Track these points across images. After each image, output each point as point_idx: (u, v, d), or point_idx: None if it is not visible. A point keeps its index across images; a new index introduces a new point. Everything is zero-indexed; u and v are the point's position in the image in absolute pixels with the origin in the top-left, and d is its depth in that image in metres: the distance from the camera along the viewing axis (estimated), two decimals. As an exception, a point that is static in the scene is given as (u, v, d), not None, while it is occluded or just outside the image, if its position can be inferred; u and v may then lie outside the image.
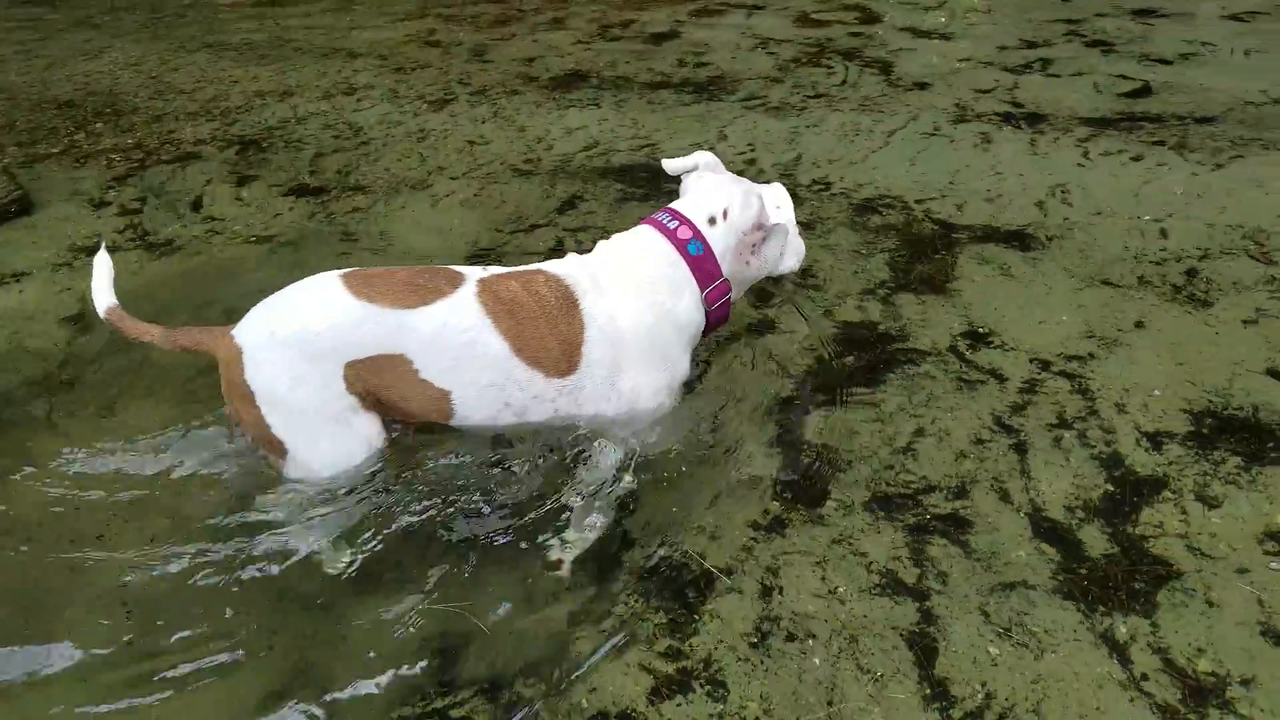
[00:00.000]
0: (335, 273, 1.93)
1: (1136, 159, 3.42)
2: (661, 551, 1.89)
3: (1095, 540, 1.88)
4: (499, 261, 2.35)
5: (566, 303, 1.97)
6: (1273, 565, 1.80)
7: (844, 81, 4.38)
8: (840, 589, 1.77)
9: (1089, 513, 1.96)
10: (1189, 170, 3.31)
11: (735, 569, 1.83)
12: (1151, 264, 2.82)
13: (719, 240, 2.08)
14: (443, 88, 4.63)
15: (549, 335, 1.96)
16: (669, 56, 4.89)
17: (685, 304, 2.05)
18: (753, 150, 3.70)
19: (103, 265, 2.04)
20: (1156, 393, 2.30)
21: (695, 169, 2.17)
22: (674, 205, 2.12)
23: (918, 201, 3.18)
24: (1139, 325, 2.58)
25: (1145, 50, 4.46)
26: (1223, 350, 2.44)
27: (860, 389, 2.32)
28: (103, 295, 2.01)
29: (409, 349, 1.88)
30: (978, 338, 2.49)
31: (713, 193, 2.11)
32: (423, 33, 5.57)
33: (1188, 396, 2.29)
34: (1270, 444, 2.13)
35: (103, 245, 2.15)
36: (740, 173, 2.50)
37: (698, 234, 2.06)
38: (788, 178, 3.43)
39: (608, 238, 2.10)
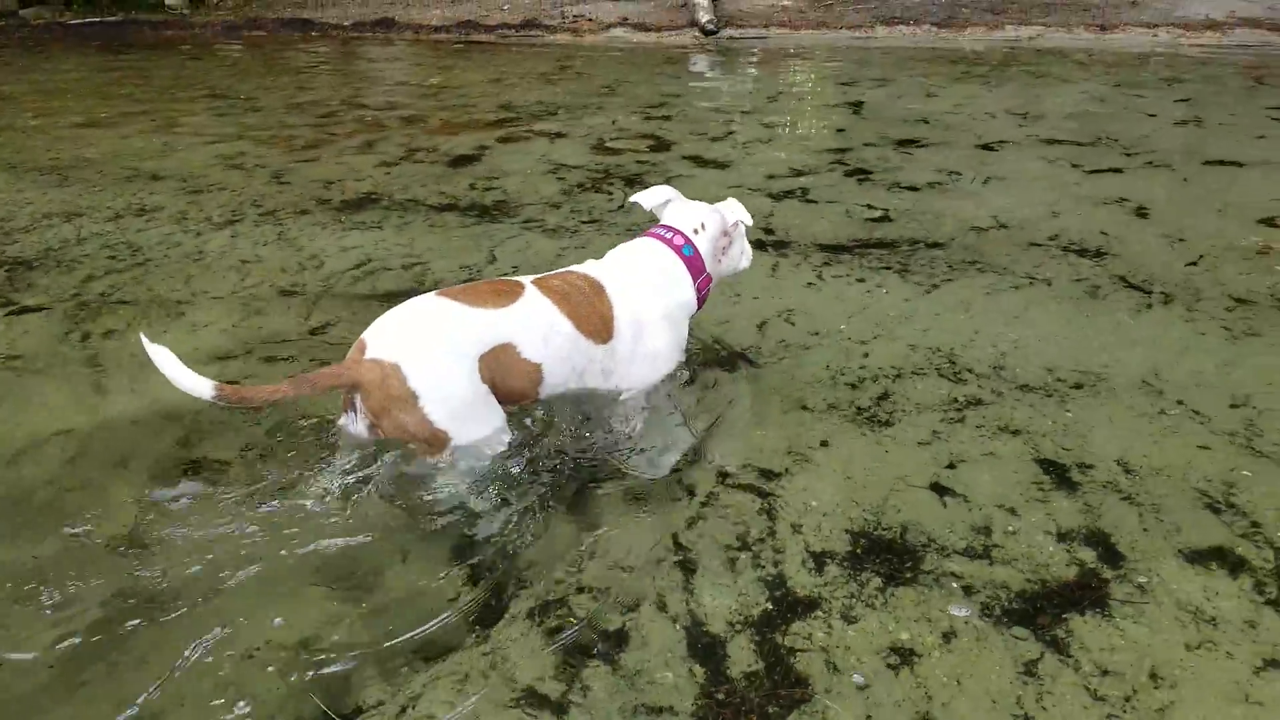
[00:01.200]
0: (435, 293, 2.48)
1: (860, 281, 3.69)
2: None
3: (742, 660, 1.94)
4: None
5: (596, 289, 2.69)
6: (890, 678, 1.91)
7: (620, 207, 4.61)
8: (476, 705, 1.78)
9: (744, 630, 2.03)
10: (904, 294, 3.58)
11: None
12: (847, 385, 3.03)
13: (703, 245, 2.88)
14: (233, 209, 4.65)
15: (593, 313, 2.65)
16: (464, 180, 5.07)
17: (684, 289, 2.83)
18: (516, 270, 3.83)
19: (163, 357, 2.16)
20: (825, 514, 2.43)
21: (667, 201, 2.96)
22: (664, 223, 2.92)
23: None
24: (824, 444, 2.74)
25: (898, 179, 4.87)
26: (889, 469, 2.61)
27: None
28: (197, 381, 2.16)
29: (513, 337, 2.47)
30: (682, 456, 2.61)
31: (692, 212, 2.92)
32: (232, 155, 5.62)
33: (851, 516, 2.43)
34: (908, 564, 2.27)
35: (143, 338, 2.20)
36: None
37: (689, 241, 2.86)
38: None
39: (615, 247, 2.88)
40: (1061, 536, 2.38)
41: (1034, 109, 6.16)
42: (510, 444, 2.52)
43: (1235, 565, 2.28)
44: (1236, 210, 4.27)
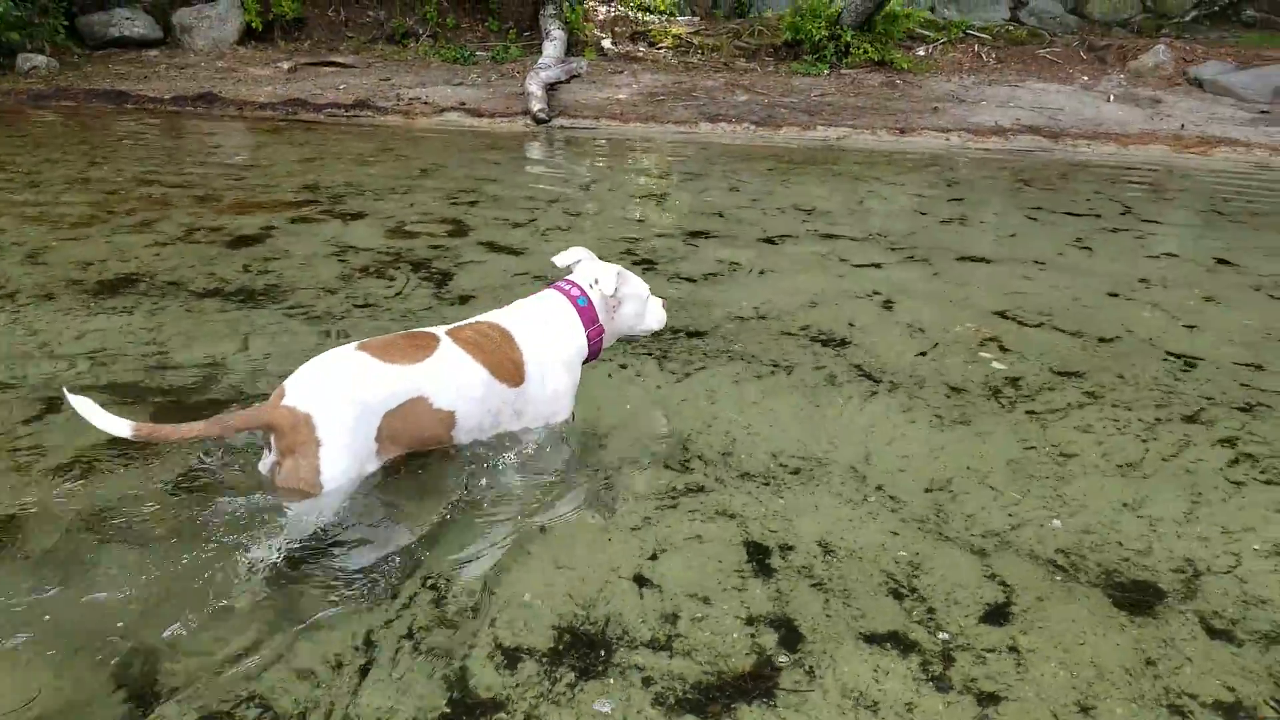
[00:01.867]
0: (356, 345, 2.73)
1: (622, 368, 3.75)
2: None
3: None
4: None
5: (506, 337, 2.98)
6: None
7: (398, 293, 4.56)
8: None
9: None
10: (658, 381, 3.66)
11: None
12: (580, 471, 3.04)
13: (596, 298, 3.16)
14: (-28, 291, 4.33)
15: (505, 359, 2.94)
16: (239, 262, 4.91)
17: (577, 335, 3.12)
18: (268, 359, 3.70)
19: (85, 404, 2.40)
20: (531, 608, 2.39)
21: (579, 260, 3.25)
22: (568, 278, 3.23)
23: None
24: (543, 530, 2.72)
25: (679, 269, 5.04)
26: (606, 558, 2.60)
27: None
28: (114, 422, 2.39)
29: (425, 390, 2.73)
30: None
31: (591, 270, 3.19)
32: (-9, 229, 5.27)
33: (560, 610, 2.40)
34: (603, 657, 2.25)
35: (65, 391, 2.47)
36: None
37: (584, 293, 3.16)
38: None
39: (514, 300, 3.19)
40: (749, 621, 2.43)
41: (821, 205, 6.55)
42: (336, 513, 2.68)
43: (906, 647, 2.37)
44: (974, 303, 4.63)
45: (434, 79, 12.06)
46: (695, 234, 5.73)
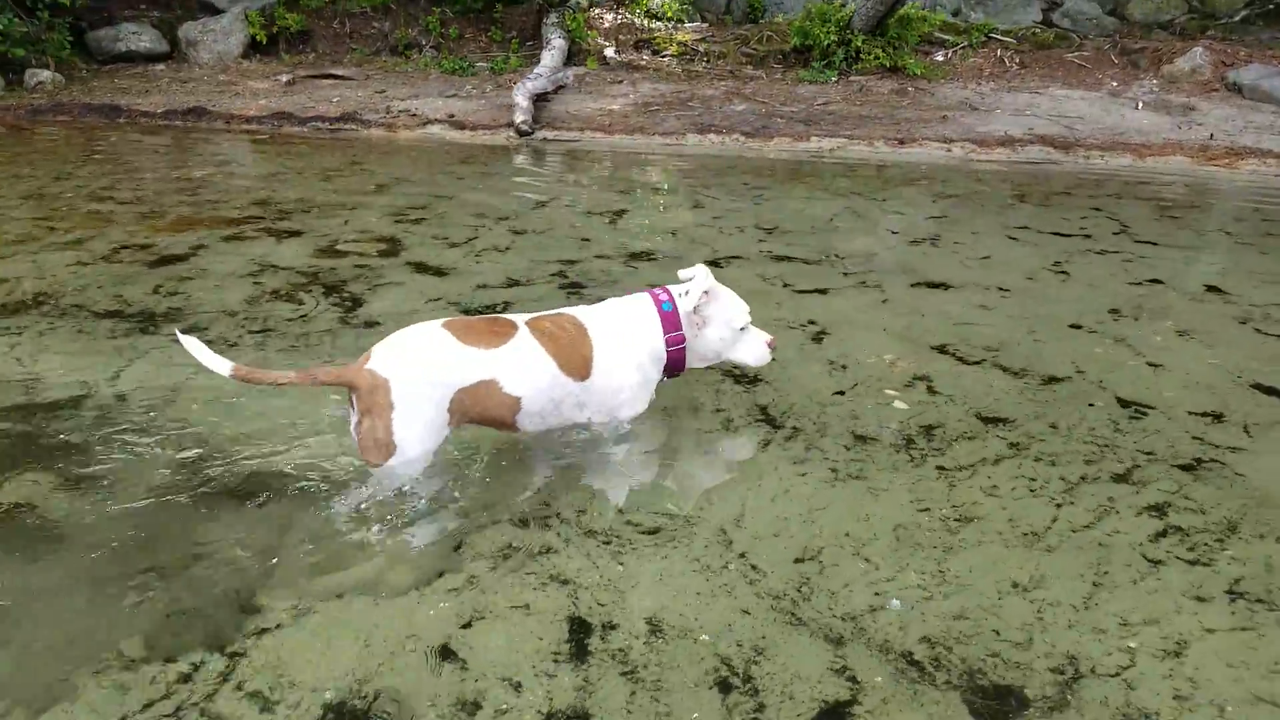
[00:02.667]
0: (442, 322, 2.91)
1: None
2: None
3: None
4: None
5: (581, 331, 3.07)
6: None
7: (303, 316, 4.33)
8: None
9: None
10: (539, 421, 3.37)
11: None
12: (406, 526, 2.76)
13: (682, 306, 3.16)
14: None
15: (574, 352, 3.02)
16: (153, 283, 4.73)
17: (653, 337, 3.14)
18: (137, 390, 3.50)
19: (194, 344, 2.71)
20: (305, 684, 2.12)
21: (694, 275, 3.17)
22: (670, 286, 3.25)
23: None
24: (339, 597, 2.45)
25: (605, 294, 4.68)
26: (405, 625, 2.32)
27: None
28: (217, 361, 2.70)
29: (497, 374, 2.88)
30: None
31: (690, 281, 3.16)
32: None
33: (337, 684, 2.12)
34: None
35: (178, 332, 2.82)
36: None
37: (670, 299, 3.18)
38: (151, 414, 3.27)
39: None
40: (548, 718, 2.11)
41: (787, 224, 6.18)
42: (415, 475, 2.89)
43: (718, 757, 2.03)
44: (915, 337, 4.23)
45: (429, 91, 11.91)
46: (638, 255, 5.41)
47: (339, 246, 5.49)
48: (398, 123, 10.17)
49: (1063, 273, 5.28)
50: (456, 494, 2.92)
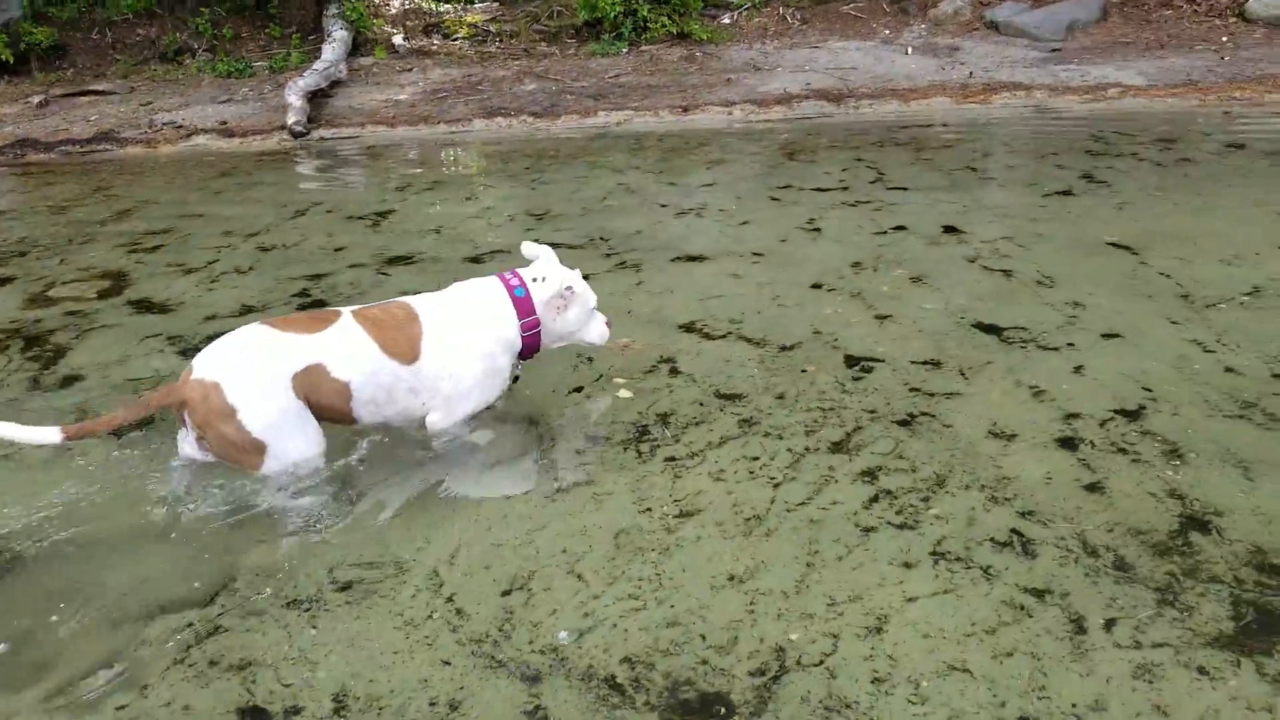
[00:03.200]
0: (258, 323, 2.92)
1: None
2: None
3: None
4: None
5: (410, 315, 3.04)
6: None
7: (-8, 380, 3.84)
8: None
9: None
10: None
11: None
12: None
13: (536, 293, 3.13)
14: None
15: (399, 334, 2.99)
16: None
17: (507, 326, 3.10)
18: None
19: (5, 426, 2.65)
20: None
21: (536, 255, 3.24)
22: (516, 269, 3.24)
23: None
24: None
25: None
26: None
27: None
28: (42, 433, 2.69)
29: (323, 358, 2.87)
30: None
31: (543, 267, 3.19)
32: None
33: None
34: None
35: None
36: None
37: (521, 282, 3.15)
38: None
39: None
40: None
41: (559, 207, 6.00)
42: (321, 468, 2.95)
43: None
44: (665, 317, 4.13)
45: (201, 98, 11.03)
46: (396, 260, 5.10)
47: (52, 292, 4.90)
48: (159, 137, 9.33)
49: (815, 229, 5.29)
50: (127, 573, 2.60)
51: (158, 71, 12.99)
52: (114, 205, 6.82)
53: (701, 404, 3.37)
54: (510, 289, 3.12)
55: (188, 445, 2.88)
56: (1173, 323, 3.81)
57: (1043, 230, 5.03)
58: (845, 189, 6.14)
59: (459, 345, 3.02)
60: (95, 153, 9.14)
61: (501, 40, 13.49)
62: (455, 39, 13.47)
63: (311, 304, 4.52)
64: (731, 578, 2.50)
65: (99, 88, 11.92)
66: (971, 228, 5.15)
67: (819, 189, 6.17)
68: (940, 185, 6.11)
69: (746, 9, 13.62)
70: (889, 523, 2.66)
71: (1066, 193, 5.75)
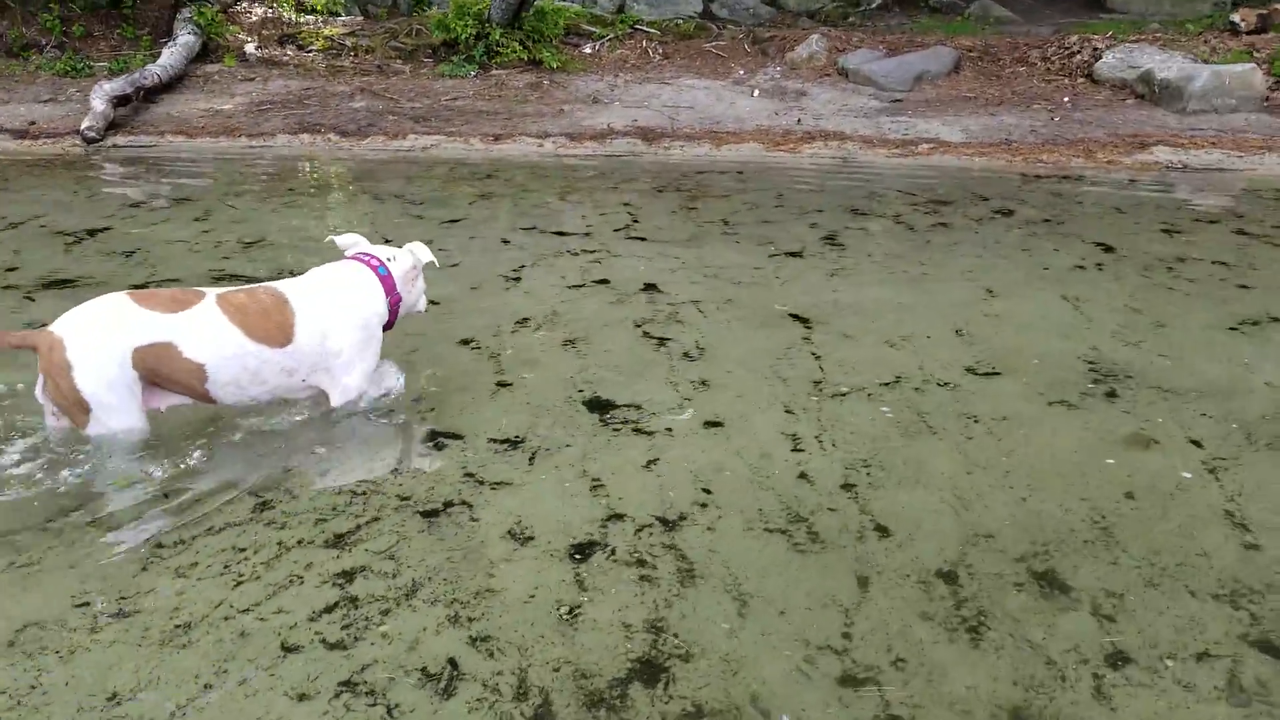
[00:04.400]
0: (124, 292, 3.12)
1: None
2: None
3: None
4: None
5: (278, 301, 3.25)
6: None
7: None
8: None
9: None
10: None
11: None
12: None
13: (395, 270, 3.50)
14: None
15: (267, 321, 3.19)
16: None
17: (377, 300, 3.42)
18: None
19: None
20: None
21: (356, 243, 3.58)
22: (362, 252, 3.55)
23: None
24: None
25: None
26: None
27: None
28: None
29: (174, 338, 3.06)
30: None
31: (384, 249, 3.58)
32: None
33: None
34: None
35: None
36: None
37: (384, 264, 3.50)
38: None
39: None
40: None
41: (274, 236, 5.72)
42: (141, 438, 3.11)
43: None
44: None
45: (25, 96, 10.55)
46: (56, 284, 4.79)
47: None
48: (-66, 140, 8.79)
49: (516, 279, 5.13)
50: None
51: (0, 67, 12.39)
52: None
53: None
54: (374, 269, 3.44)
55: (37, 389, 3.08)
56: (787, 411, 3.65)
57: (735, 296, 4.92)
58: (586, 235, 6.01)
59: (337, 321, 3.27)
60: None
61: (356, 55, 13.16)
62: (309, 50, 13.12)
63: None
64: (112, 696, 2.23)
65: (-84, 83, 11.27)
66: (670, 288, 5.02)
67: (559, 233, 6.04)
68: (679, 239, 5.98)
69: (609, 40, 13.56)
70: (324, 640, 2.42)
71: (796, 254, 5.66)
